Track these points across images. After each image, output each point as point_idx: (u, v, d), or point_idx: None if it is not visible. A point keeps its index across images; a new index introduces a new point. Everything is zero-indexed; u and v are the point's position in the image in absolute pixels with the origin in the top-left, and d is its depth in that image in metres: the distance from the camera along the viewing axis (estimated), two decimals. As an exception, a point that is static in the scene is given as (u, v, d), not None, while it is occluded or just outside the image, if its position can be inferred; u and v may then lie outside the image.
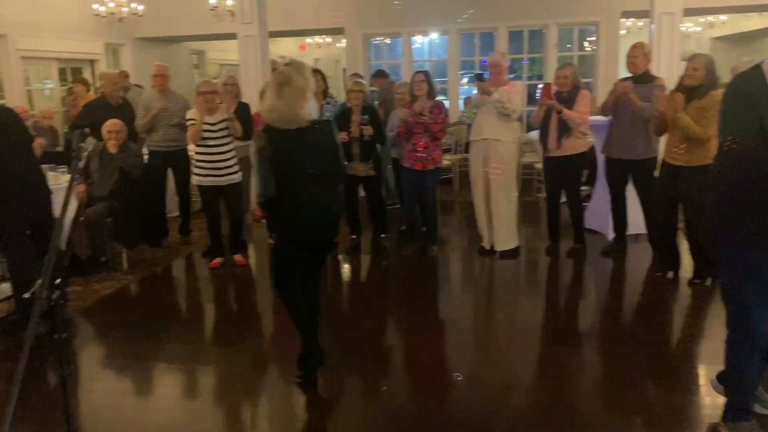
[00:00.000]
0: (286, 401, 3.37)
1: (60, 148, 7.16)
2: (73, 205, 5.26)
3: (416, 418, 3.09)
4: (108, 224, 5.40)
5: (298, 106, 3.13)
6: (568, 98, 5.19)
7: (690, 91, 4.35)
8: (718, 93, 4.31)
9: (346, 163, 3.60)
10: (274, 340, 4.22)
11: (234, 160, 5.39)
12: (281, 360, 3.85)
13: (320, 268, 3.52)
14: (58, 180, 5.37)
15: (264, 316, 4.71)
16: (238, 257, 5.60)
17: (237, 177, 5.43)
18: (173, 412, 3.24)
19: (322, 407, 3.26)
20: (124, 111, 5.97)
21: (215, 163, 5.27)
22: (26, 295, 1.67)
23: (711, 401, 3.14)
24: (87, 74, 10.08)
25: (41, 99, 9.69)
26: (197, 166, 5.35)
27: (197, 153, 5.33)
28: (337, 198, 3.38)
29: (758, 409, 2.87)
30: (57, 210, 5.09)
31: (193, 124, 5.19)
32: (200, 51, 13.42)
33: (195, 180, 5.43)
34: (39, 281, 1.61)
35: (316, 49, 16.64)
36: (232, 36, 7.36)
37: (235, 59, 10.62)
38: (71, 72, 10.23)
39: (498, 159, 5.28)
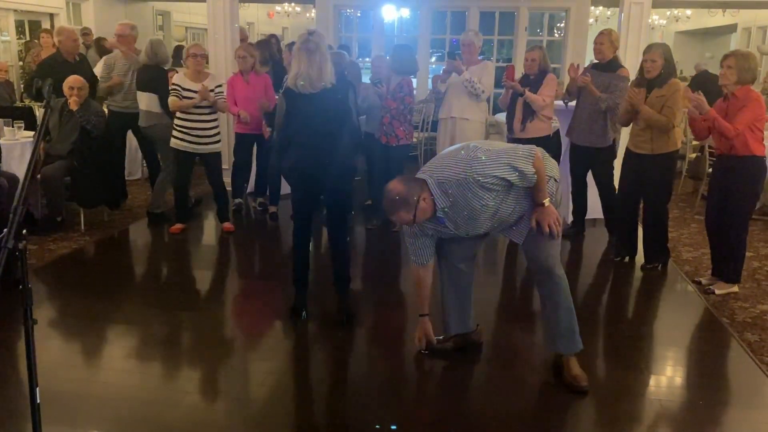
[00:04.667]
0: (239, 366, 3.38)
1: (20, 103, 6.93)
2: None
3: (373, 390, 3.15)
4: (66, 183, 5.27)
5: (324, 71, 3.44)
6: (535, 81, 5.24)
7: (651, 81, 4.44)
8: (678, 81, 4.44)
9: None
10: (232, 305, 4.21)
11: (217, 129, 5.32)
12: (236, 325, 3.85)
13: (339, 221, 3.77)
14: (14, 135, 5.21)
15: (227, 281, 4.69)
16: (227, 225, 5.53)
17: (218, 146, 5.36)
18: (126, 373, 3.21)
19: (276, 373, 3.26)
20: (82, 68, 5.77)
21: (198, 130, 5.19)
22: (-9, 244, 1.64)
23: (656, 379, 3.28)
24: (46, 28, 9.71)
25: (-4, 51, 9.34)
26: (177, 129, 5.23)
27: (178, 117, 5.22)
28: (339, 155, 3.56)
29: None
30: (11, 165, 4.97)
31: (175, 91, 5.05)
32: (166, 12, 13.04)
33: (173, 142, 5.28)
34: (5, 230, 1.58)
35: (284, 18, 16.37)
36: (200, -2, 7.20)
37: (200, 23, 10.39)
38: (29, 25, 9.86)
39: (464, 138, 5.32)
